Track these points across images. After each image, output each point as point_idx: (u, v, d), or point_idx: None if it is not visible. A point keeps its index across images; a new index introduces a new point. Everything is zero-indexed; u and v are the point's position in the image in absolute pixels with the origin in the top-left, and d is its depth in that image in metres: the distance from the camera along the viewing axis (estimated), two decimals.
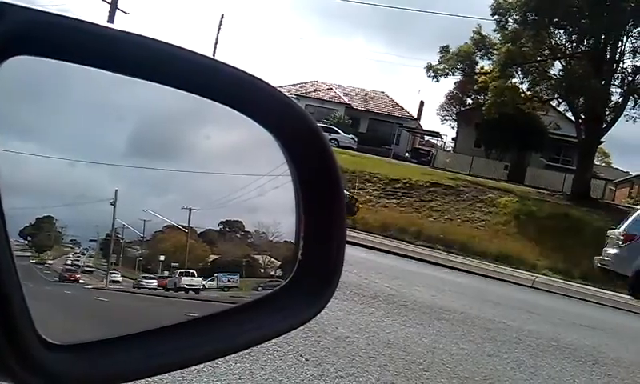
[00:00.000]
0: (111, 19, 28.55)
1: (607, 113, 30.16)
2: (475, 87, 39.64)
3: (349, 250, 0.77)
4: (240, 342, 0.72)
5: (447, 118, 50.28)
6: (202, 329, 0.69)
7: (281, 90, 0.72)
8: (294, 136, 0.72)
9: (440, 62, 34.24)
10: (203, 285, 0.76)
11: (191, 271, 0.73)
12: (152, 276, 0.72)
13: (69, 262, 0.67)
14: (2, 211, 0.52)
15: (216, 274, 0.77)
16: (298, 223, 0.75)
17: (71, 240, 0.67)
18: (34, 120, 0.60)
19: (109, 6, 29.39)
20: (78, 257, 0.68)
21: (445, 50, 34.31)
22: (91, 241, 0.69)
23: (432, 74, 34.20)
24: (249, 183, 0.75)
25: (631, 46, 29.57)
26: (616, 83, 30.08)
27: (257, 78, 0.68)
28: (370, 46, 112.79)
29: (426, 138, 50.83)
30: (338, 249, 0.75)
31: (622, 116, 30.32)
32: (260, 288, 0.80)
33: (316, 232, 0.75)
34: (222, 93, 0.67)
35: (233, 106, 0.69)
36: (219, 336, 0.70)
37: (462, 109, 46.06)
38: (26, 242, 0.61)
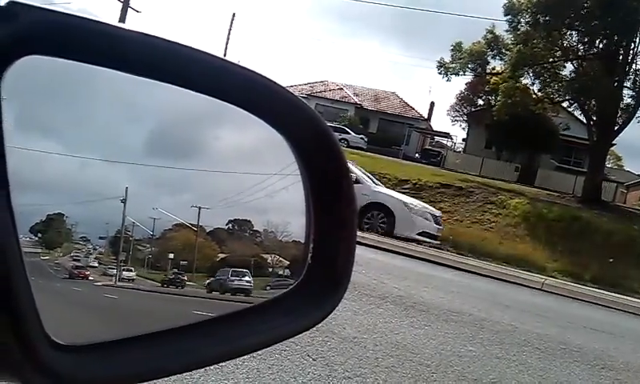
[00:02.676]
0: (123, 17, 28.70)
1: (619, 115, 29.94)
2: (486, 88, 39.45)
3: (358, 251, 0.77)
4: (253, 344, 0.72)
5: (458, 118, 50.08)
6: (215, 329, 0.69)
7: (291, 90, 0.71)
8: (304, 137, 0.72)
9: (452, 61, 34.08)
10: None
11: (130, 267, 0.73)
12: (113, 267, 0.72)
13: (78, 259, 0.68)
14: (12, 208, 0.52)
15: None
16: (308, 224, 0.75)
17: (81, 237, 0.68)
18: (45, 118, 0.61)
19: (121, 4, 29.53)
20: (88, 254, 0.68)
21: (457, 47, 34.11)
22: (101, 238, 0.69)
23: (443, 72, 34.05)
24: (259, 183, 0.75)
25: None
26: (628, 85, 29.87)
27: (267, 78, 0.68)
28: (385, 48, 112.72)
29: (436, 138, 50.70)
30: (348, 250, 0.75)
31: (635, 118, 30.09)
32: (268, 287, 0.80)
33: (326, 233, 0.74)
34: (232, 94, 0.67)
35: (243, 107, 0.69)
36: (232, 337, 0.70)
37: (473, 110, 45.87)
38: (37, 238, 0.62)
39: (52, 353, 0.56)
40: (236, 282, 0.72)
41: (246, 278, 0.73)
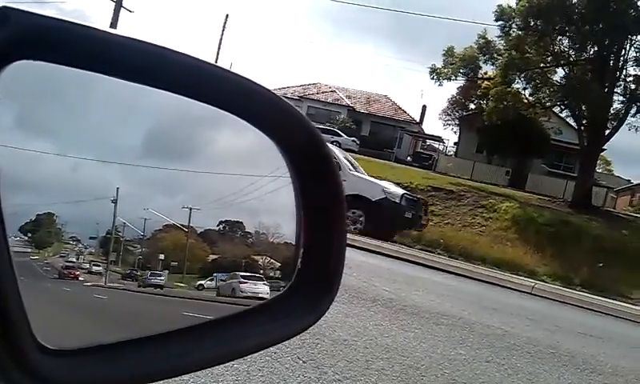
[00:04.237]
0: (116, 17, 28.61)
1: (609, 120, 30.13)
2: (478, 92, 39.58)
3: (348, 253, 0.77)
4: (245, 348, 0.72)
5: (449, 122, 50.37)
6: (208, 333, 0.69)
7: (279, 94, 0.71)
8: (294, 141, 0.72)
9: (444, 66, 34.13)
10: (202, 284, 0.76)
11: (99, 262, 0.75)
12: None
13: (69, 259, 0.67)
14: (0, 207, 0.52)
15: (215, 274, 0.77)
16: (299, 228, 0.75)
17: (71, 237, 0.67)
18: (37, 120, 0.60)
19: (114, 4, 29.41)
20: (78, 254, 0.68)
21: (449, 52, 34.16)
22: (91, 238, 0.69)
23: (435, 77, 34.09)
24: (250, 185, 0.75)
25: (634, 54, 29.54)
26: (618, 91, 30.06)
27: (255, 83, 0.68)
28: (378, 51, 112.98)
29: (428, 142, 50.85)
30: (338, 254, 0.75)
31: (625, 124, 30.29)
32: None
33: (316, 237, 0.75)
34: (221, 99, 0.67)
35: (232, 111, 0.68)
36: (225, 341, 0.70)
37: (465, 114, 46.06)
38: (26, 238, 0.61)
39: (40, 357, 0.55)
40: (153, 280, 0.76)
41: (161, 277, 0.76)
